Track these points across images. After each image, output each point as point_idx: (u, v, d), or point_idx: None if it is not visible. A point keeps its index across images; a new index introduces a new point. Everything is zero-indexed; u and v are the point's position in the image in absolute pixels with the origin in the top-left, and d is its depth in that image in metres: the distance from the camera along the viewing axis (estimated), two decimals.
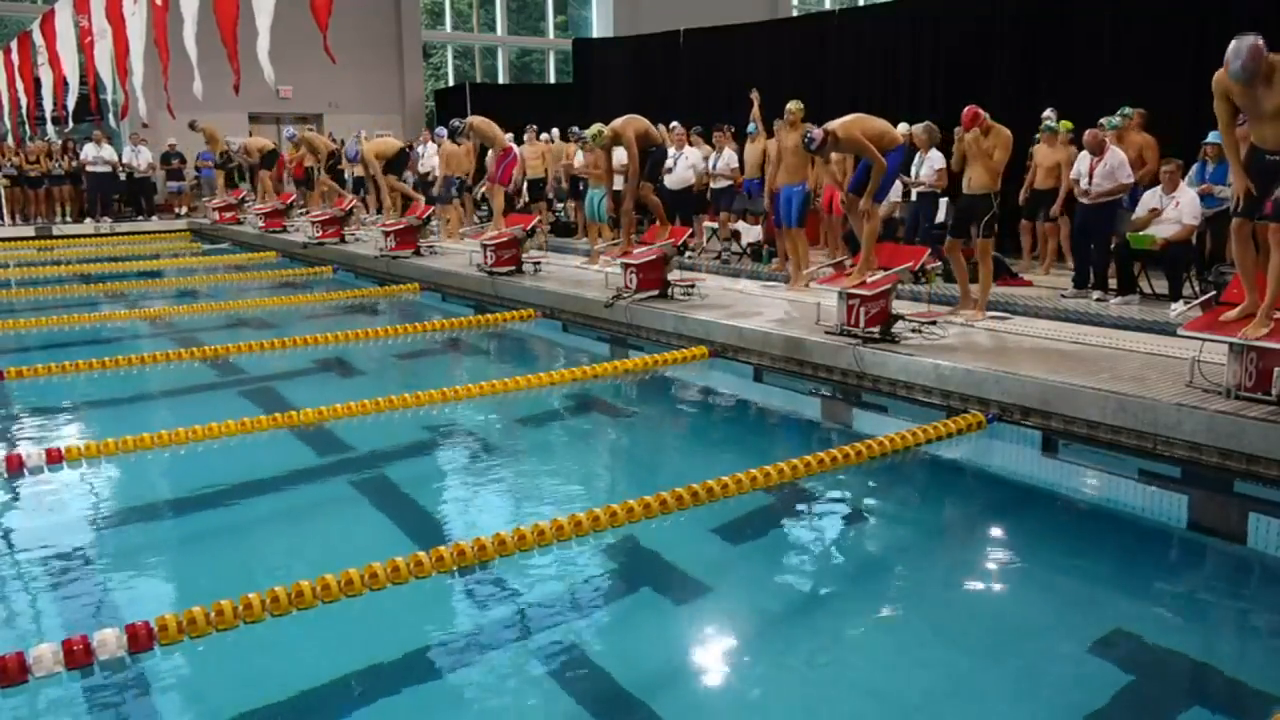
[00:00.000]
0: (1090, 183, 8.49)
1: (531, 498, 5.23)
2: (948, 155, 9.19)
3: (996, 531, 5.00)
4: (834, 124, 7.58)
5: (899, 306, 7.25)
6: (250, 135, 20.35)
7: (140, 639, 3.42)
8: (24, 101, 15.44)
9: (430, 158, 15.59)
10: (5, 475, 5.28)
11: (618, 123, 9.97)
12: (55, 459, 5.42)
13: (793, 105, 9.46)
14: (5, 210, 18.01)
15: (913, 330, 7.08)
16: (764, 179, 11.42)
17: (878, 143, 7.63)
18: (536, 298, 9.92)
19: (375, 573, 3.87)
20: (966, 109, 7.47)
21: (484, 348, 9.37)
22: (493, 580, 4.07)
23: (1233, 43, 5.02)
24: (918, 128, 10.08)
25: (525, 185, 14.32)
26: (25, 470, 5.33)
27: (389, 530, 4.74)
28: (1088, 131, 8.76)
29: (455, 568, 4.05)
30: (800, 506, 5.02)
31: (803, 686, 3.41)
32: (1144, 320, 7.44)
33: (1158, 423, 5.26)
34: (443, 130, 16.94)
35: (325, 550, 4.42)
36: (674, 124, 12.61)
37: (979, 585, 4.34)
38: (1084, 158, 8.72)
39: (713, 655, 3.68)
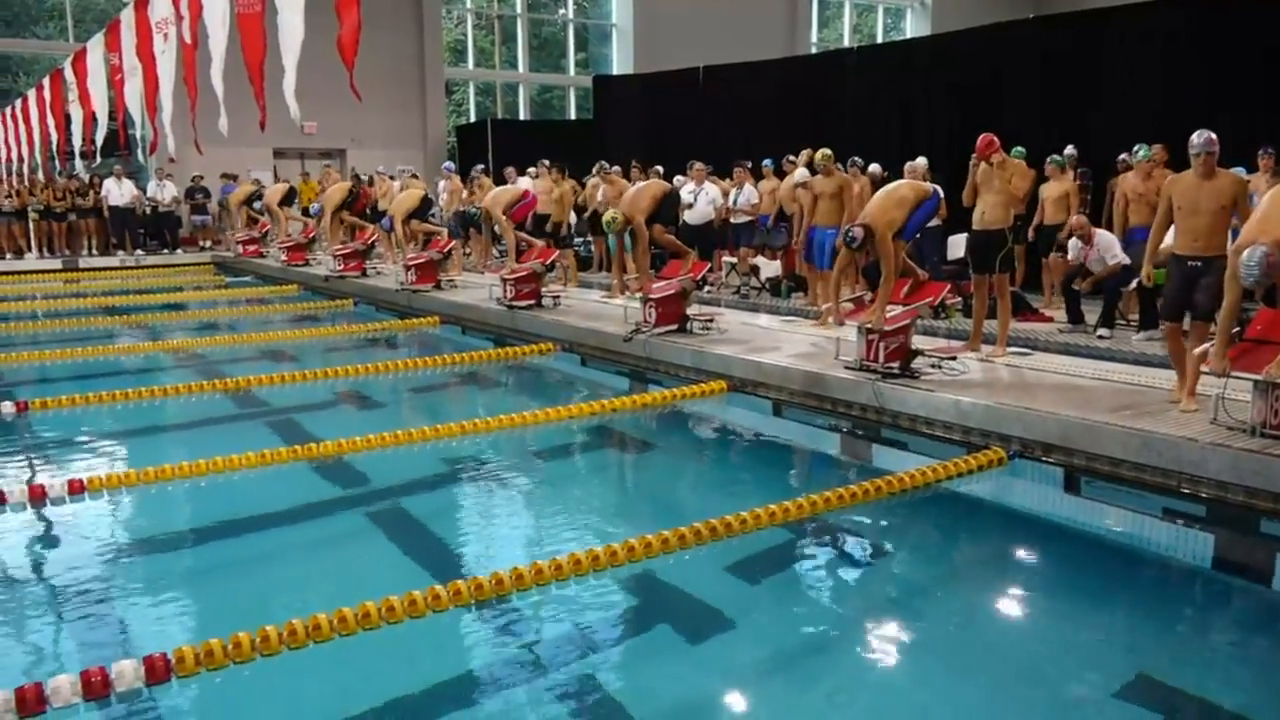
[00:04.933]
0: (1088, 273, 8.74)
1: (549, 532, 5.22)
2: (949, 191, 9.22)
3: (1017, 570, 4.94)
4: (869, 214, 7.44)
5: (919, 342, 7.23)
6: (274, 174, 20.70)
7: (158, 671, 3.42)
8: (54, 137, 15.71)
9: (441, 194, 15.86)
10: (28, 505, 5.31)
11: (626, 204, 10.13)
12: (77, 490, 5.45)
13: (819, 155, 9.63)
14: (33, 243, 18.30)
15: (932, 366, 7.05)
16: (780, 214, 11.58)
17: (912, 207, 7.51)
18: (555, 331, 9.95)
19: (392, 607, 3.86)
20: (982, 136, 7.46)
21: (503, 381, 9.40)
22: (510, 615, 4.05)
23: (1243, 255, 5.08)
24: (916, 163, 10.17)
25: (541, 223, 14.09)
26: (48, 500, 5.37)
27: (406, 564, 4.74)
28: (1074, 218, 8.88)
29: (472, 602, 4.04)
30: (819, 542, 4.98)
31: None
32: (1166, 356, 7.37)
33: (1181, 460, 5.20)
34: (450, 165, 17.14)
35: (343, 583, 4.42)
36: (697, 164, 12.68)
37: (1000, 625, 4.28)
38: (1074, 247, 8.81)
39: (730, 692, 3.64)
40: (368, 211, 16.51)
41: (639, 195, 10.39)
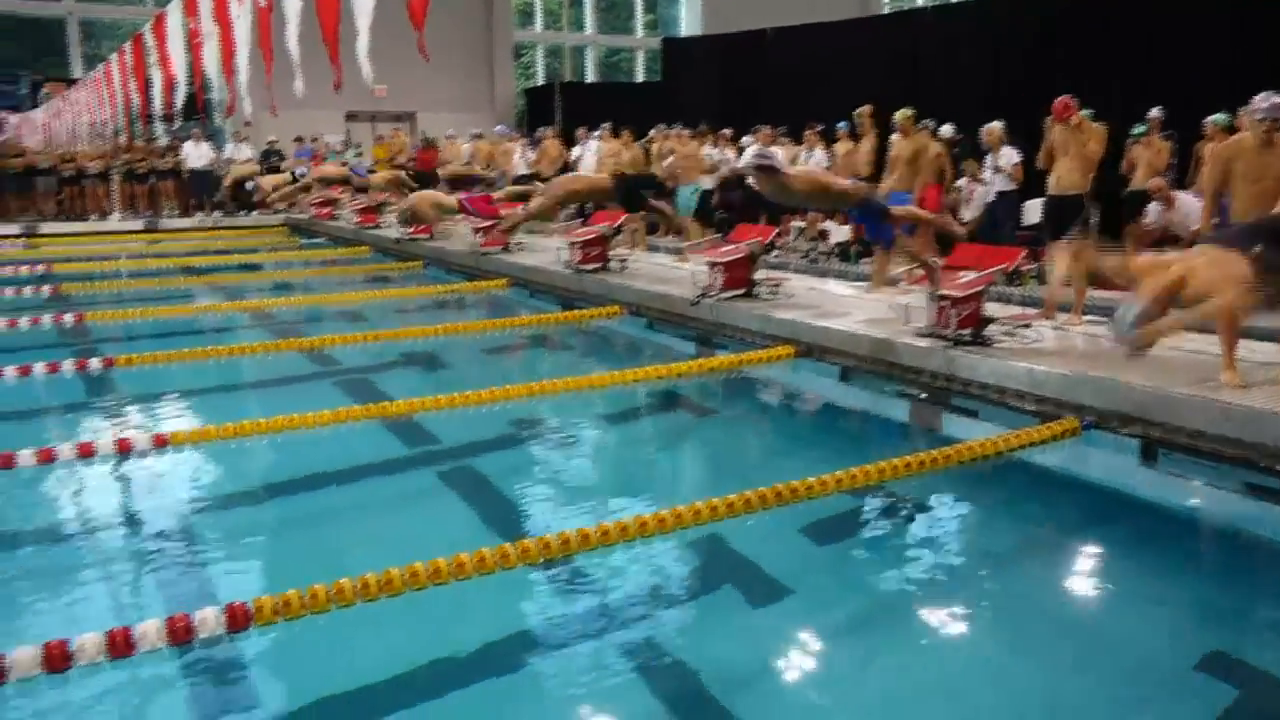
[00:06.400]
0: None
1: (615, 493, 5.26)
2: (1027, 153, 9.00)
3: (1091, 543, 4.84)
4: None
5: (992, 309, 7.08)
6: (346, 137, 20.99)
7: (238, 619, 3.54)
8: (136, 100, 16.11)
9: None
10: (116, 458, 5.52)
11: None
12: (161, 444, 5.63)
13: (899, 115, 9.47)
14: (116, 204, 18.87)
15: (1005, 333, 6.91)
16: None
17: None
18: (622, 295, 9.96)
19: (462, 563, 3.93)
20: (1058, 100, 7.26)
21: (570, 344, 9.45)
22: (575, 574, 4.11)
23: None
24: (993, 126, 9.97)
25: None
26: (134, 454, 5.57)
27: (475, 522, 4.83)
28: (1151, 181, 8.58)
29: (540, 560, 4.10)
30: (886, 510, 4.95)
31: (886, 695, 3.36)
32: (1251, 326, 7.12)
33: (1264, 434, 5.03)
34: (502, 128, 17.23)
35: (414, 539, 4.51)
36: (764, 127, 12.55)
37: (1073, 598, 4.22)
38: (1154, 210, 8.55)
39: (793, 658, 3.65)
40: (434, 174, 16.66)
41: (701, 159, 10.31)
